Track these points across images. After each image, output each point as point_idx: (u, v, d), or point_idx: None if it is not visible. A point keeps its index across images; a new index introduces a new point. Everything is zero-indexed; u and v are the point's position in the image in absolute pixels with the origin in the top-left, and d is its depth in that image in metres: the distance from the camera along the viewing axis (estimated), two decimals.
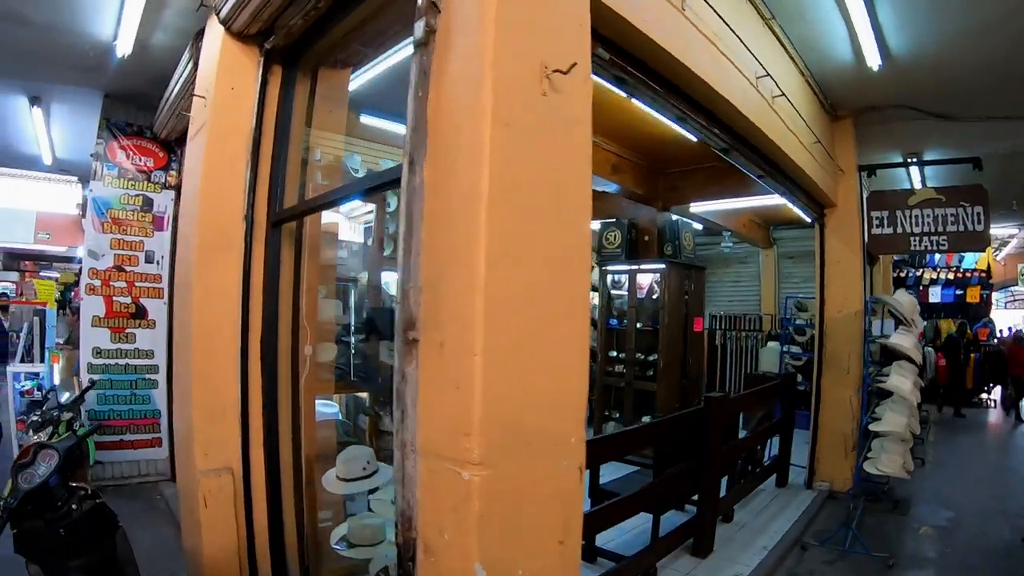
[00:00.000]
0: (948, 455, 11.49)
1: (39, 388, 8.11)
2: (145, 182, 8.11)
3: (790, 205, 8.61)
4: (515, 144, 2.51)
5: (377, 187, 3.69)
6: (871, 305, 7.96)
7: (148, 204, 8.09)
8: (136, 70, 7.09)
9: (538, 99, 2.63)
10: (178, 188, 8.10)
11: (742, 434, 8.34)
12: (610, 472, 6.36)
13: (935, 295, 19.32)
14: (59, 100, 8.65)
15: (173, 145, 8.19)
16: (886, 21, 6.09)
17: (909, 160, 10.13)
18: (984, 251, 16.97)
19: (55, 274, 16.18)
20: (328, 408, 5.44)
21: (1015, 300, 24.76)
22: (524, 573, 2.52)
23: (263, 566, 4.57)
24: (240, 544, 4.53)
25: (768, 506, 7.79)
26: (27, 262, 19.11)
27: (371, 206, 5.89)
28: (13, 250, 18.77)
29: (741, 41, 5.17)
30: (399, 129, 7.35)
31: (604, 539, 5.92)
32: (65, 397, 6.05)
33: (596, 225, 11.54)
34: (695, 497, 6.26)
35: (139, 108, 8.09)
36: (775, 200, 9.97)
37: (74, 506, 3.73)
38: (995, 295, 21.76)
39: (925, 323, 11.06)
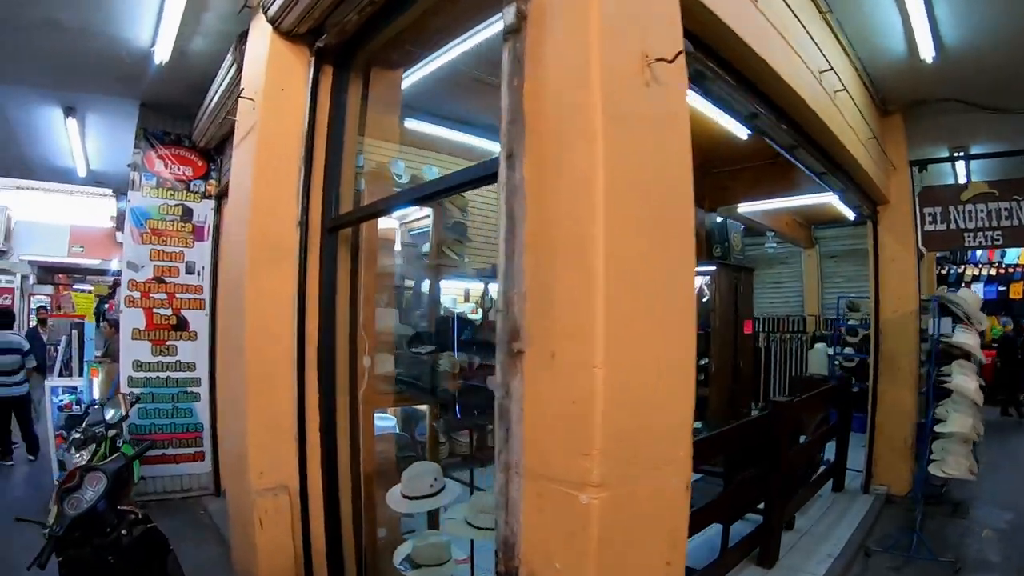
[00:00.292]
0: (1001, 456, 11.11)
1: (78, 402, 8.02)
2: (184, 192, 7.98)
3: (838, 203, 8.36)
4: (626, 138, 2.29)
5: (463, 185, 3.36)
6: (935, 303, 7.66)
7: (188, 214, 7.96)
8: (173, 78, 6.93)
9: (642, 90, 2.41)
10: (219, 197, 7.99)
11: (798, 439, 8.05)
12: None
13: (977, 292, 18.85)
14: (94, 110, 8.51)
15: (212, 154, 8.07)
16: (942, 13, 5.84)
17: (957, 154, 9.82)
18: None
19: (89, 287, 16.20)
20: (385, 421, 5.24)
21: None
22: None
23: None
24: (297, 567, 4.32)
25: (827, 512, 7.49)
26: (61, 275, 19.19)
27: (426, 211, 5.66)
28: (48, 263, 18.78)
29: (808, 34, 4.94)
30: (440, 133, 7.37)
31: None
32: (110, 415, 5.85)
33: None
34: (758, 505, 6.00)
35: (176, 117, 7.95)
36: (819, 199, 9.78)
37: (124, 531, 3.54)
38: None
39: None
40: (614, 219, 2.19)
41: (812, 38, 5.04)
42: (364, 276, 4.54)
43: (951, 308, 7.12)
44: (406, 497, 3.94)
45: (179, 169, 7.97)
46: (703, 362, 9.88)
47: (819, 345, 12.66)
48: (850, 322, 11.00)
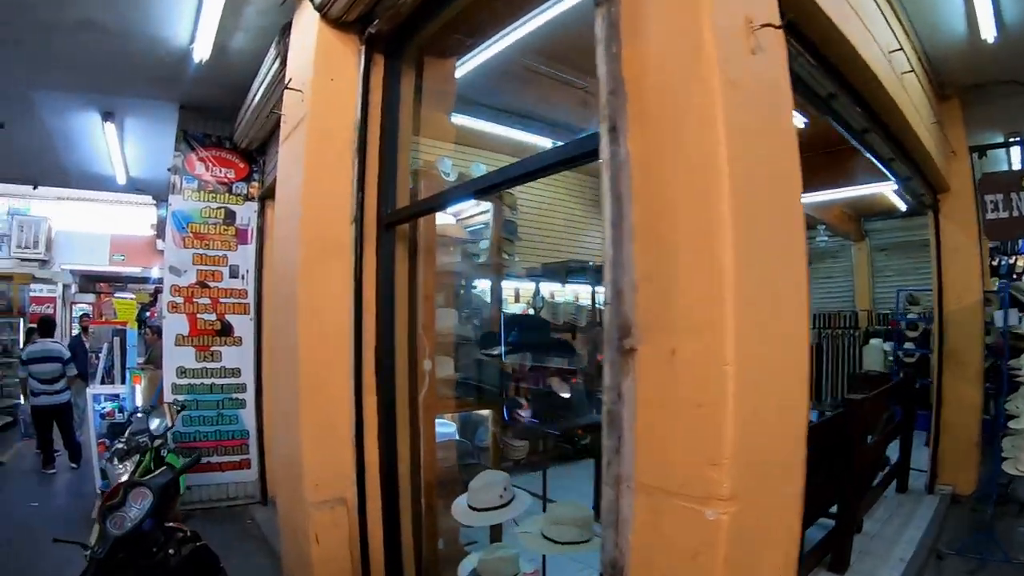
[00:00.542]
0: None
1: (120, 410, 7.89)
2: (226, 194, 7.83)
3: (891, 194, 8.02)
4: (741, 108, 2.04)
5: (552, 166, 2.99)
6: (1006, 293, 7.28)
7: (230, 217, 7.80)
8: (213, 78, 6.77)
9: (749, 58, 2.18)
10: (263, 199, 7.84)
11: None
12: None
13: None
14: (132, 114, 8.37)
15: (254, 155, 7.90)
16: None
17: (1012, 140, 9.43)
18: None
19: (130, 295, 16.26)
20: (444, 427, 5.00)
21: None
22: None
23: None
24: None
25: (894, 514, 7.16)
26: (102, 283, 19.32)
27: (484, 206, 5.40)
28: (89, 272, 18.87)
29: (880, 10, 4.65)
30: (488, 128, 7.14)
31: None
32: (155, 424, 5.66)
33: None
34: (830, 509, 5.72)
35: (216, 119, 7.79)
36: (873, 190, 9.41)
37: (171, 551, 3.33)
38: None
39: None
40: (739, 198, 1.95)
41: (883, 15, 4.73)
42: (423, 274, 4.31)
43: (1020, 298, 6.82)
44: (474, 509, 3.68)
45: (220, 171, 7.81)
46: None
47: (874, 341, 12.24)
48: (910, 316, 10.59)
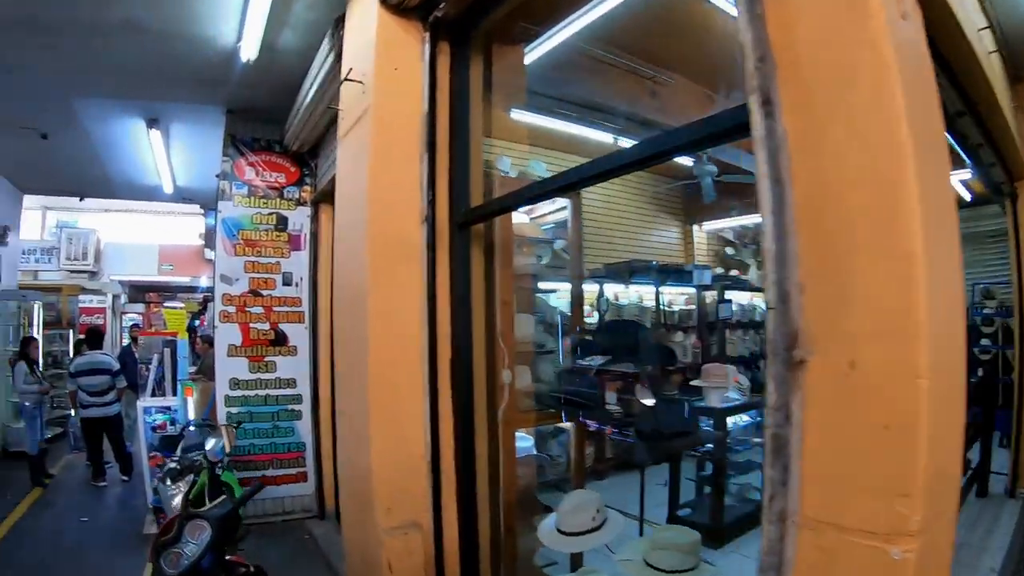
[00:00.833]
0: None
1: (172, 423, 7.69)
2: (277, 199, 7.58)
3: (959, 183, 7.51)
4: (907, 78, 1.68)
5: (679, 148, 2.68)
6: None
7: (282, 223, 7.55)
8: (260, 79, 6.53)
9: (901, 23, 1.80)
10: (316, 203, 7.59)
11: None
12: None
13: None
14: (178, 120, 8.21)
15: (305, 158, 7.65)
16: None
17: None
18: None
19: (179, 304, 16.33)
20: (521, 441, 4.65)
21: None
22: None
23: None
24: None
25: (977, 520, 6.77)
26: (151, 293, 19.48)
27: (560, 203, 5.03)
28: (138, 282, 19.07)
29: None
30: (546, 124, 6.77)
31: None
32: (211, 444, 5.34)
33: (757, 219, 10.58)
34: None
35: (265, 122, 7.55)
36: None
37: None
38: None
39: None
40: (921, 180, 1.61)
41: None
42: (500, 277, 3.96)
43: None
44: (564, 533, 3.35)
45: (271, 176, 7.57)
46: None
47: None
48: (985, 311, 10.03)
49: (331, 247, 7.38)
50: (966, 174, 7.45)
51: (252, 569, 3.27)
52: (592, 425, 4.53)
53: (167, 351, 8.53)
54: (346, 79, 3.99)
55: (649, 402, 4.43)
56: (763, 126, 1.83)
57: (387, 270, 3.72)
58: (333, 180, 6.41)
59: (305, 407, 7.49)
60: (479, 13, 3.88)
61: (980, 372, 9.36)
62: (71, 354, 12.63)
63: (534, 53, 5.01)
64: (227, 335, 7.24)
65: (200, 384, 7.78)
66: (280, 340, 7.44)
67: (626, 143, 6.51)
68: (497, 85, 4.28)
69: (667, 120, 6.24)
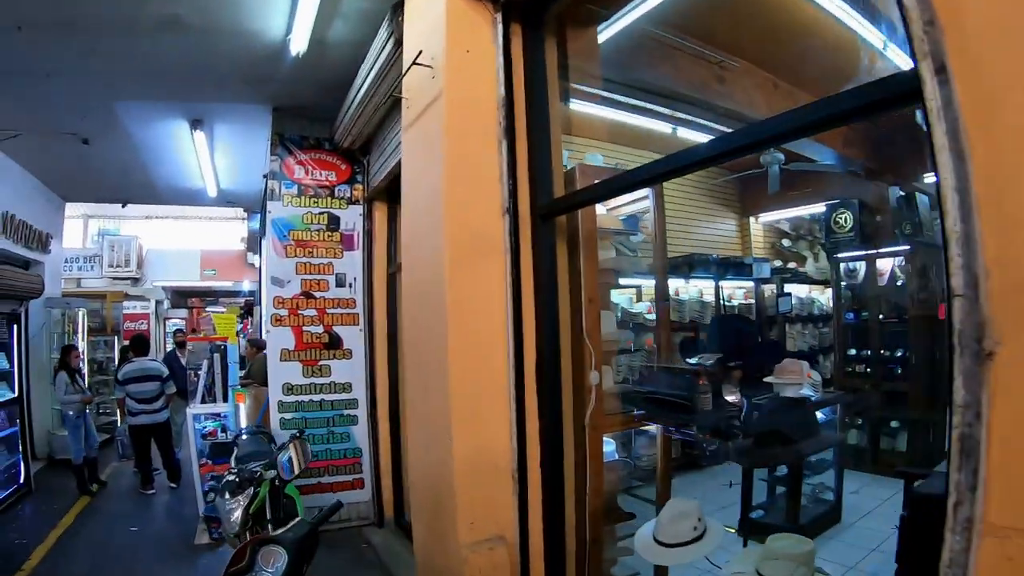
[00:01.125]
0: None
1: (223, 429, 7.51)
2: (328, 198, 7.35)
3: None
4: None
5: (823, 122, 2.31)
6: None
7: (334, 222, 7.32)
8: (309, 75, 6.35)
9: None
10: (369, 201, 7.37)
11: None
12: None
13: None
14: (222, 120, 8.05)
15: (356, 155, 7.41)
16: None
17: None
18: None
19: (221, 308, 16.35)
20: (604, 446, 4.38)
21: None
22: None
23: None
24: None
25: None
26: (194, 299, 19.55)
27: (640, 192, 4.72)
28: (181, 288, 19.21)
29: None
30: (605, 114, 6.46)
31: None
32: (286, 458, 5.02)
33: (820, 208, 10.22)
34: None
35: (313, 120, 7.35)
36: None
37: None
38: None
39: None
40: None
41: None
42: (584, 272, 3.68)
43: None
44: (663, 544, 3.10)
45: (321, 174, 7.35)
46: (898, 353, 8.77)
47: None
48: None
49: (386, 245, 7.17)
50: None
51: None
52: (689, 430, 4.25)
53: (216, 356, 8.34)
54: (415, 63, 3.73)
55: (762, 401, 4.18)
56: (940, 96, 1.61)
57: (466, 266, 3.47)
58: (388, 176, 6.23)
59: (361, 412, 7.26)
60: None
61: None
62: (116, 361, 12.60)
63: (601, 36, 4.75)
64: (280, 339, 7.04)
65: (252, 390, 7.59)
66: (334, 343, 7.22)
67: (695, 136, 6.20)
68: (579, 65, 4.02)
69: (735, 107, 5.95)
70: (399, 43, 4.55)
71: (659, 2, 4.46)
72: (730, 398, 4.23)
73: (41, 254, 10.84)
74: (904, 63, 4.15)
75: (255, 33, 5.64)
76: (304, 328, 7.12)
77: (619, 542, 4.11)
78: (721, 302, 8.83)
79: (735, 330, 4.37)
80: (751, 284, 9.62)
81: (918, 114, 1.74)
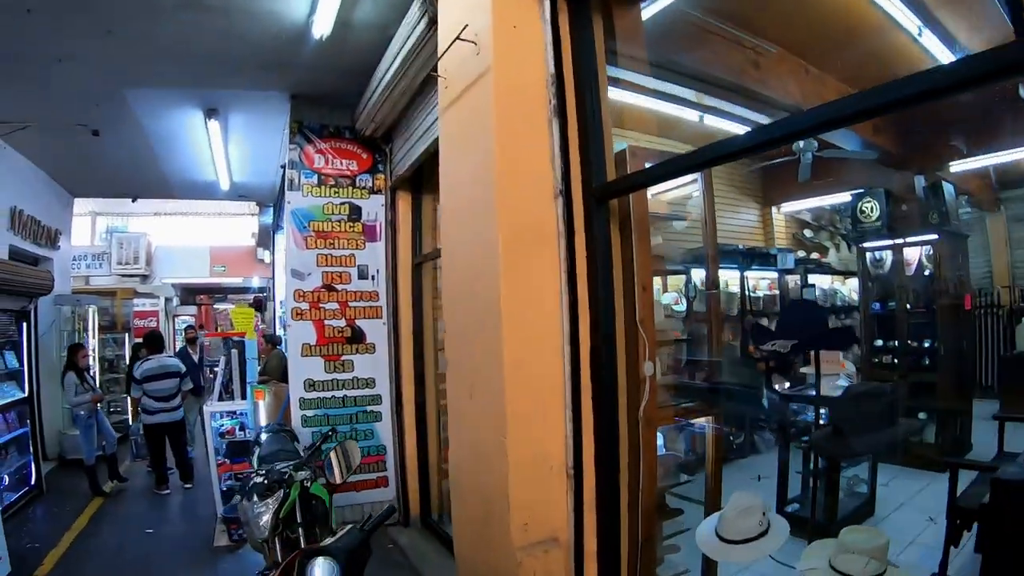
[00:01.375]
0: None
1: (241, 428, 7.33)
2: (349, 188, 7.17)
3: None
4: None
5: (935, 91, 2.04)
6: None
7: (356, 212, 7.15)
8: (331, 60, 6.14)
9: None
10: (393, 190, 7.18)
11: None
12: None
13: None
14: (238, 109, 7.83)
15: (378, 143, 7.22)
16: None
17: None
18: None
19: (230, 305, 16.25)
20: None
21: None
22: None
23: None
24: None
25: None
26: (202, 295, 19.46)
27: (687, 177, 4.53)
28: (190, 285, 19.13)
29: None
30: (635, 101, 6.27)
31: None
32: (337, 470, 4.71)
33: (845, 197, 10.08)
34: None
35: (333, 107, 7.15)
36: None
37: None
38: None
39: None
40: None
41: None
42: (637, 257, 3.49)
43: None
44: (727, 541, 2.95)
45: (342, 163, 7.16)
46: (926, 344, 8.69)
47: None
48: None
49: (411, 236, 6.98)
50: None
51: None
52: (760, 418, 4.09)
53: (235, 352, 8.14)
54: (459, 39, 3.53)
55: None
56: None
57: (520, 253, 3.27)
58: (414, 164, 6.05)
59: (385, 408, 7.09)
60: None
61: None
62: (127, 359, 12.43)
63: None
64: (301, 334, 6.87)
65: (272, 386, 7.40)
66: (357, 337, 7.05)
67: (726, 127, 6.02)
68: (625, 41, 3.84)
69: (770, 93, 5.79)
70: (432, 22, 4.35)
71: None
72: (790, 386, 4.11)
73: (50, 250, 10.71)
74: (939, 51, 4.00)
75: (275, 14, 5.44)
76: (326, 322, 6.95)
77: (665, 540, 3.97)
78: (746, 293, 8.70)
79: (806, 316, 4.19)
80: (775, 275, 9.49)
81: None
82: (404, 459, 6.98)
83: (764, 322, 8.24)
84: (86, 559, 6.36)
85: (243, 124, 8.32)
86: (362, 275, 7.12)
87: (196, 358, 10.76)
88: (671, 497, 4.14)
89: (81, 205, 13.63)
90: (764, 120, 5.30)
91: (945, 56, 4.43)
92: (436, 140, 5.17)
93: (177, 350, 11.88)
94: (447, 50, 3.72)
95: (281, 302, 12.50)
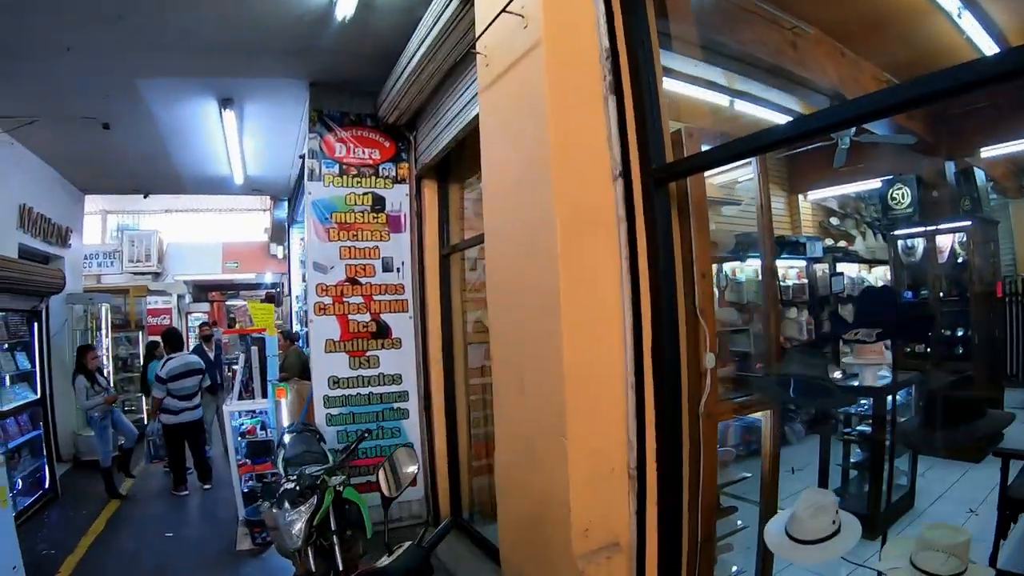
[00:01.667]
0: None
1: (262, 427, 7.14)
2: (373, 177, 6.96)
3: None
4: None
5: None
6: None
7: (379, 203, 6.94)
8: (352, 45, 5.97)
9: None
10: (420, 178, 6.96)
11: None
12: None
13: None
14: (254, 98, 7.64)
15: (402, 131, 7.01)
16: None
17: None
18: None
19: (242, 302, 16.19)
20: None
21: None
22: None
23: None
24: None
25: None
26: (214, 292, 19.41)
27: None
28: (202, 282, 19.06)
29: None
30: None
31: None
32: (387, 485, 4.43)
33: (875, 184, 9.90)
34: None
35: (352, 95, 6.96)
36: None
37: None
38: None
39: None
40: None
41: None
42: (696, 244, 3.28)
43: None
44: (798, 541, 2.78)
45: (364, 152, 6.95)
46: (959, 333, 8.48)
47: None
48: None
49: (437, 226, 6.75)
50: None
51: None
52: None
53: (255, 349, 7.93)
54: (504, 11, 3.31)
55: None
56: None
57: (578, 238, 3.07)
58: (441, 151, 5.84)
59: (412, 405, 6.90)
60: None
61: None
62: (140, 357, 12.24)
63: None
64: (324, 329, 6.68)
65: (294, 384, 7.21)
66: (383, 332, 6.86)
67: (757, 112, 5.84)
68: (674, 15, 3.63)
69: (808, 74, 5.63)
70: None
71: None
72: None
73: (61, 248, 10.57)
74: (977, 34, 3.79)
75: None
76: (350, 317, 6.76)
77: (719, 540, 3.79)
78: (777, 281, 8.53)
79: (885, 304, 4.02)
80: (803, 263, 9.32)
81: None
82: (434, 457, 6.78)
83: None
84: (104, 565, 6.18)
85: (259, 114, 8.13)
86: (387, 267, 6.92)
87: (212, 355, 10.57)
88: (723, 495, 3.97)
89: (91, 203, 13.60)
90: (795, 104, 5.20)
91: (983, 39, 4.28)
92: (466, 126, 5.00)
93: (192, 348, 11.71)
94: (490, 25, 3.51)
95: (298, 297, 12.32)
